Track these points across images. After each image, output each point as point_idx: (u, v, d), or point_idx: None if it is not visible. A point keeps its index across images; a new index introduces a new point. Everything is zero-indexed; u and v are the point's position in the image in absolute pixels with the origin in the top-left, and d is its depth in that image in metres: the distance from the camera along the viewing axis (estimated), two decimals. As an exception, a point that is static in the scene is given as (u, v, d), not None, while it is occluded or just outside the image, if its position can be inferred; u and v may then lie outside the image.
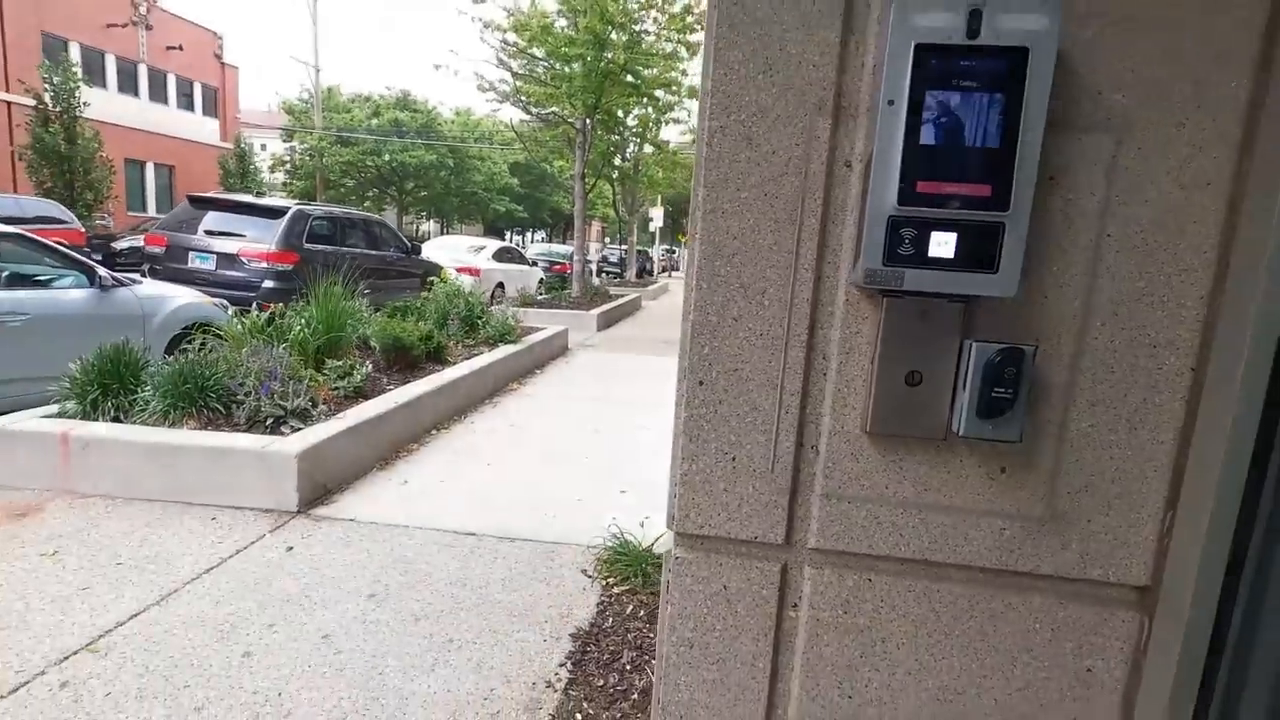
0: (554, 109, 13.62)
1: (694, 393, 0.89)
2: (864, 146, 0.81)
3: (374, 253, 9.25)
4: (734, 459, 0.89)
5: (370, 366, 4.65)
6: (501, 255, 13.96)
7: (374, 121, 32.69)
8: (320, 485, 3.36)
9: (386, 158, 31.93)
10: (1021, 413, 0.79)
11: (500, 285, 12.99)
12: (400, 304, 6.90)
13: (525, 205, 41.52)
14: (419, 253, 10.68)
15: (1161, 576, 0.84)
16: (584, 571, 2.74)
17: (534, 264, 16.69)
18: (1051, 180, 0.79)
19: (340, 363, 4.42)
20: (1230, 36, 0.74)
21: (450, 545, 2.92)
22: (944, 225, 0.76)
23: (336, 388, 4.19)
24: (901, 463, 0.86)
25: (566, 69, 12.05)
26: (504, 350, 6.57)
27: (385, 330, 5.19)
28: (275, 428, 3.53)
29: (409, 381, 4.82)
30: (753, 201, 0.84)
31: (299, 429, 3.50)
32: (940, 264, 0.76)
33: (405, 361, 5.26)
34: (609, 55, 11.53)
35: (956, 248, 0.76)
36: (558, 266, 18.77)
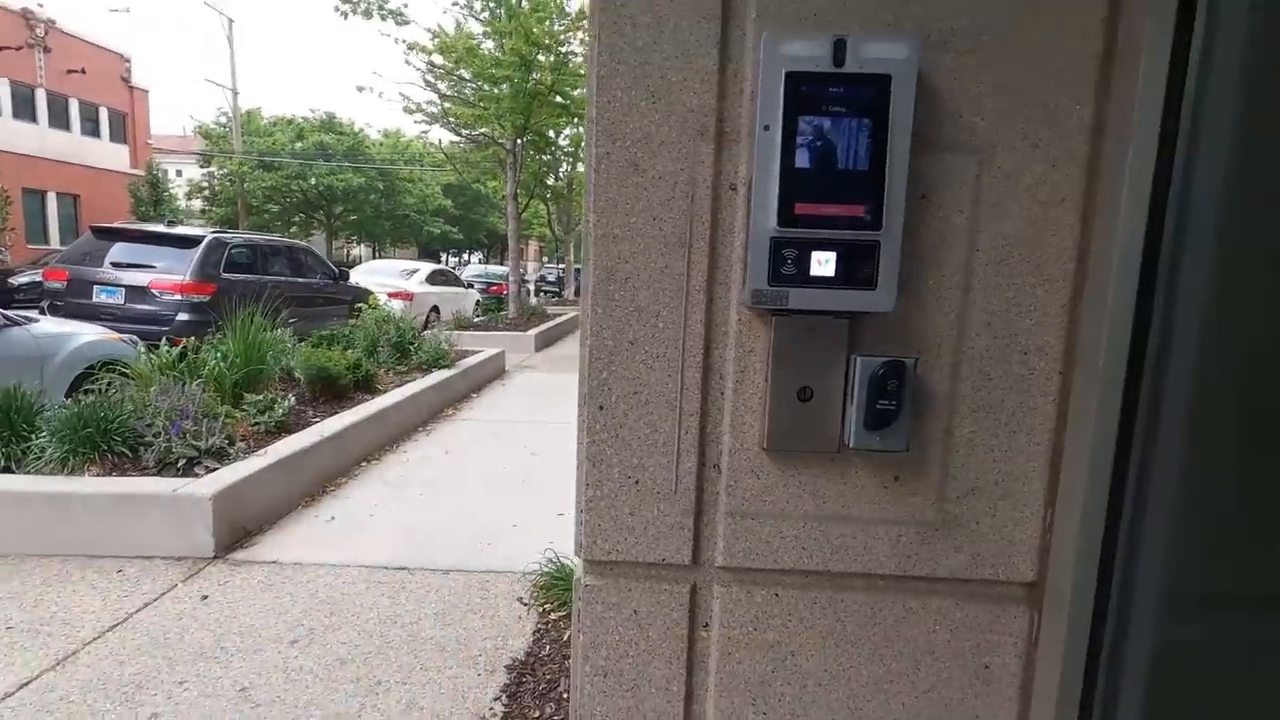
0: (484, 130, 13.55)
1: (595, 418, 0.88)
2: (747, 170, 0.83)
3: (299, 280, 8.94)
4: (638, 482, 0.89)
5: (294, 399, 4.48)
6: (435, 278, 13.71)
7: (298, 145, 31.74)
8: (239, 527, 3.20)
9: (313, 181, 31.03)
10: (906, 423, 0.82)
11: (435, 309, 12.75)
12: (327, 332, 6.68)
13: (460, 226, 40.99)
14: (347, 279, 10.40)
15: (1046, 571, 0.88)
16: (520, 600, 2.69)
17: (469, 286, 16.47)
18: (923, 199, 0.83)
19: (260, 397, 4.23)
20: (1073, 64, 0.80)
21: (380, 582, 2.82)
22: (823, 245, 0.78)
23: (257, 423, 4.01)
24: (800, 477, 0.88)
25: (494, 90, 12.02)
26: (438, 375, 6.44)
27: (310, 360, 5.01)
28: (188, 469, 3.34)
29: (336, 413, 4.66)
30: (643, 226, 0.84)
31: (214, 469, 3.33)
32: (822, 282, 0.79)
33: (332, 392, 5.08)
34: (536, 76, 11.57)
35: (836, 266, 0.78)
36: (494, 287, 18.58)
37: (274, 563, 2.97)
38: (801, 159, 0.77)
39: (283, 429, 4.09)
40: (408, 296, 11.68)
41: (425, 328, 10.69)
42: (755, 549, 0.90)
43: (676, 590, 0.91)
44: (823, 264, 0.78)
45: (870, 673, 0.92)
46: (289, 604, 2.60)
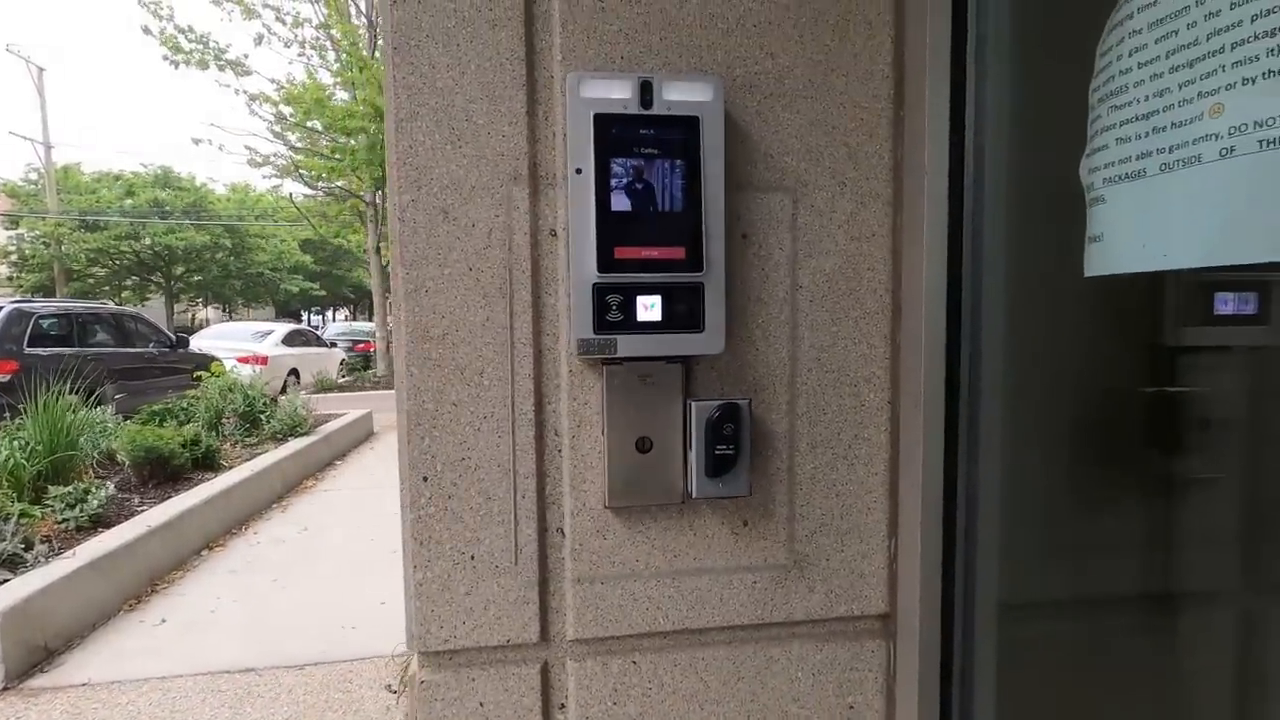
0: (340, 183, 12.99)
1: (419, 490, 0.79)
2: (565, 215, 0.79)
3: (126, 350, 8.01)
4: (473, 557, 0.80)
5: (113, 487, 3.92)
6: (293, 339, 12.78)
7: (128, 202, 28.86)
8: (38, 648, 2.70)
9: (147, 241, 28.24)
10: (746, 466, 0.79)
11: (294, 371, 11.84)
12: (159, 407, 5.97)
13: (322, 283, 38.76)
14: (186, 345, 9.44)
15: (896, 601, 0.88)
16: (389, 687, 2.44)
17: (333, 345, 15.49)
18: (744, 238, 0.82)
19: (70, 489, 3.66)
20: (869, 106, 0.83)
21: (219, 690, 2.46)
22: (647, 289, 0.75)
23: (64, 520, 3.46)
24: (648, 533, 0.83)
25: (349, 142, 11.59)
26: (295, 444, 5.92)
27: (136, 440, 4.43)
28: (-31, 584, 2.80)
29: (170, 497, 4.13)
30: (458, 277, 0.78)
31: (4, 580, 2.81)
32: (650, 327, 0.76)
33: (165, 474, 4.51)
34: (394, 128, 11.28)
35: (663, 310, 0.76)
36: (360, 345, 17.60)
37: (84, 685, 2.52)
38: (618, 202, 0.74)
39: (100, 523, 3.55)
40: (261, 360, 10.77)
41: (282, 393, 9.88)
42: (608, 615, 0.83)
43: (526, 672, 0.83)
44: (648, 309, 0.75)
45: (738, 732, 0.87)
46: (102, 734, 2.20)
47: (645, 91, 0.74)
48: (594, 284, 0.74)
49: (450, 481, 0.79)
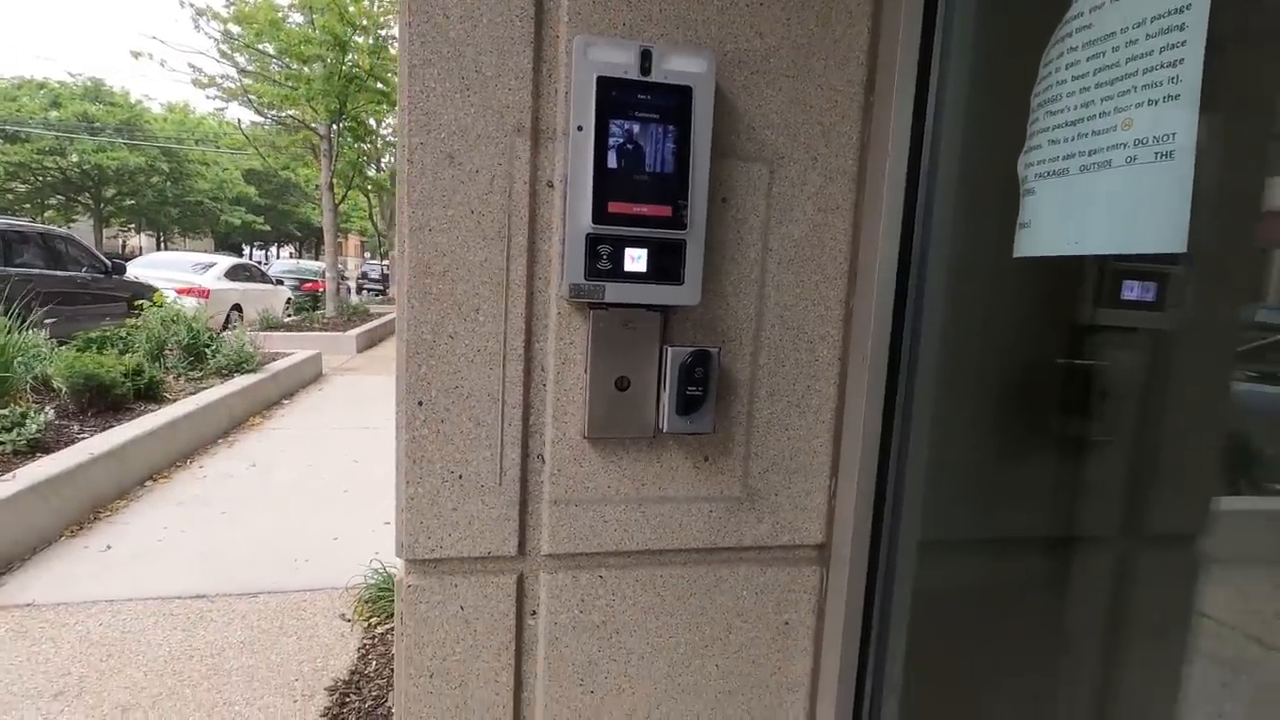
0: (293, 112, 12.40)
1: (414, 414, 0.87)
2: (563, 168, 0.85)
3: (58, 273, 7.61)
4: (461, 477, 0.89)
5: (53, 413, 3.81)
6: (237, 273, 12.31)
7: (54, 114, 26.84)
8: (-22, 568, 2.67)
9: (75, 159, 26.42)
10: (711, 407, 0.89)
11: (237, 307, 11.45)
12: (98, 334, 5.75)
13: (267, 217, 37.07)
14: (123, 272, 9.01)
15: (832, 533, 1.01)
16: (343, 616, 2.52)
17: (279, 283, 14.98)
18: (724, 202, 0.91)
19: (5, 411, 3.55)
20: (843, 89, 0.92)
21: (171, 614, 2.50)
22: (636, 242, 0.83)
23: (1, 443, 3.36)
24: (620, 462, 0.93)
25: (304, 70, 11.04)
26: (241, 381, 5.80)
27: (74, 367, 4.29)
28: (-98, 503, 2.73)
29: (111, 426, 4.04)
30: (460, 219, 0.84)
31: (-60, 500, 2.75)
32: (636, 278, 0.84)
33: (106, 403, 4.39)
34: (353, 58, 10.80)
35: (648, 263, 0.84)
36: (309, 285, 17.06)
37: (28, 605, 2.52)
38: (613, 160, 0.81)
39: (39, 449, 3.46)
40: (203, 293, 10.37)
41: (225, 328, 9.57)
42: (580, 534, 0.93)
43: (503, 581, 0.92)
44: (635, 260, 0.83)
45: (688, 640, 0.99)
46: (50, 652, 2.22)
47: (645, 59, 0.81)
48: (588, 234, 0.82)
49: (443, 407, 0.87)
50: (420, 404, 0.86)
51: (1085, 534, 1.08)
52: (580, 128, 0.80)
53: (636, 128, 0.81)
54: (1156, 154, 0.59)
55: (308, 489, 3.91)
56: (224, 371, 6.02)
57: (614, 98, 0.80)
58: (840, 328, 0.97)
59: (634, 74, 0.80)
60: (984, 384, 1.00)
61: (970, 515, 1.05)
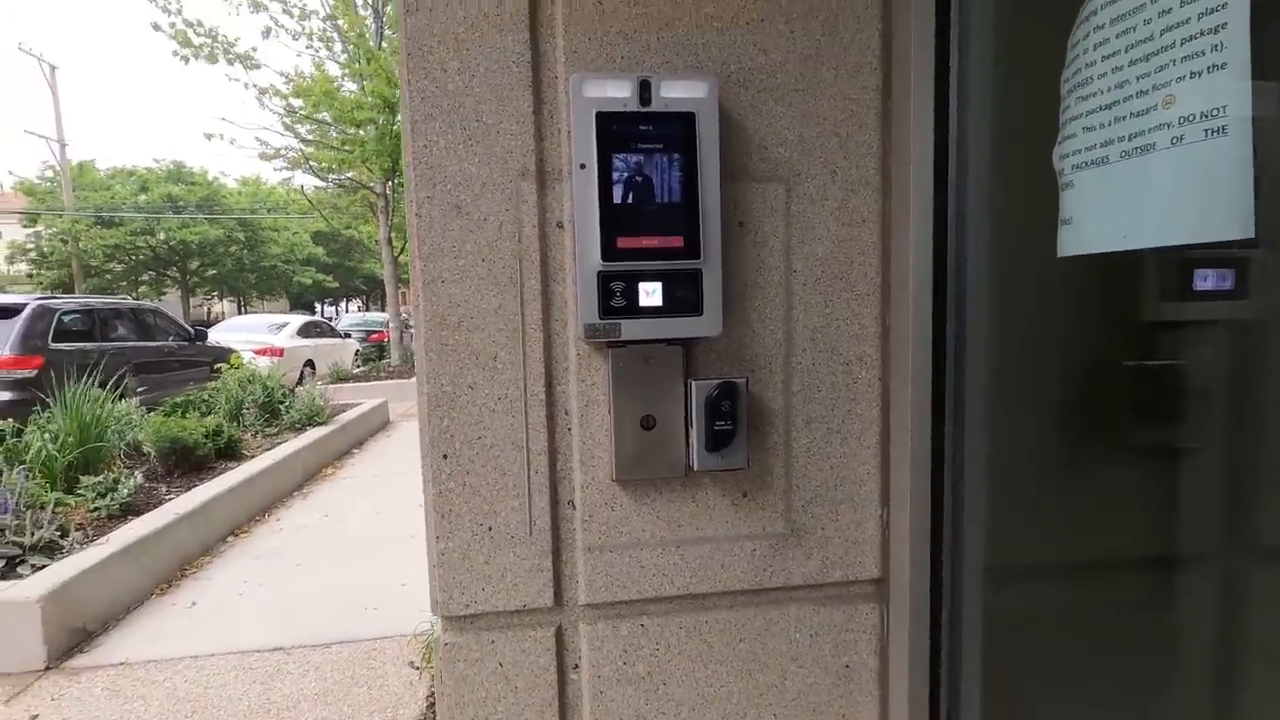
0: (350, 174, 13.07)
1: (439, 467, 0.85)
2: (571, 208, 0.84)
3: (147, 344, 8.16)
4: (490, 529, 0.86)
5: (141, 476, 4.04)
6: (308, 330, 12.94)
7: (142, 198, 29.18)
8: (77, 630, 2.82)
9: (162, 236, 28.57)
10: (743, 441, 0.85)
11: (309, 363, 12.01)
12: (181, 399, 6.11)
13: (335, 274, 39.04)
14: (204, 338, 9.59)
15: (889, 567, 0.93)
16: (411, 664, 2.53)
17: (347, 336, 15.67)
18: (741, 226, 0.87)
19: (100, 478, 3.79)
20: (858, 97, 0.87)
21: (250, 668, 2.57)
22: (649, 276, 0.80)
23: (97, 509, 3.58)
24: (653, 504, 0.89)
25: (358, 133, 11.65)
26: (313, 434, 6.04)
27: (161, 431, 4.56)
28: (10, 570, 2.92)
29: (195, 486, 4.25)
30: (471, 268, 0.83)
31: (43, 566, 2.93)
32: (651, 312, 0.81)
33: (190, 464, 4.64)
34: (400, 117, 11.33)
35: (663, 296, 0.81)
36: (374, 335, 17.78)
37: (122, 664, 2.64)
38: (619, 195, 0.79)
39: (130, 511, 3.67)
40: (277, 352, 10.93)
41: (299, 384, 10.04)
42: (617, 581, 0.89)
43: (542, 635, 0.89)
44: (650, 294, 0.80)
45: (741, 689, 0.93)
46: (141, 710, 2.31)
47: (644, 90, 0.79)
48: (598, 272, 0.79)
49: (468, 458, 0.85)
50: (445, 457, 0.85)
51: (1175, 550, 0.97)
52: (583, 166, 0.79)
53: (640, 159, 0.79)
54: (1206, 131, 0.52)
55: (376, 536, 3.99)
56: (297, 426, 6.29)
57: (614, 131, 0.78)
58: (878, 346, 0.91)
59: (633, 106, 0.79)
60: (1040, 395, 0.92)
61: (1039, 537, 0.95)
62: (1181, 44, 0.54)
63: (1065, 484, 0.92)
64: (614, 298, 0.80)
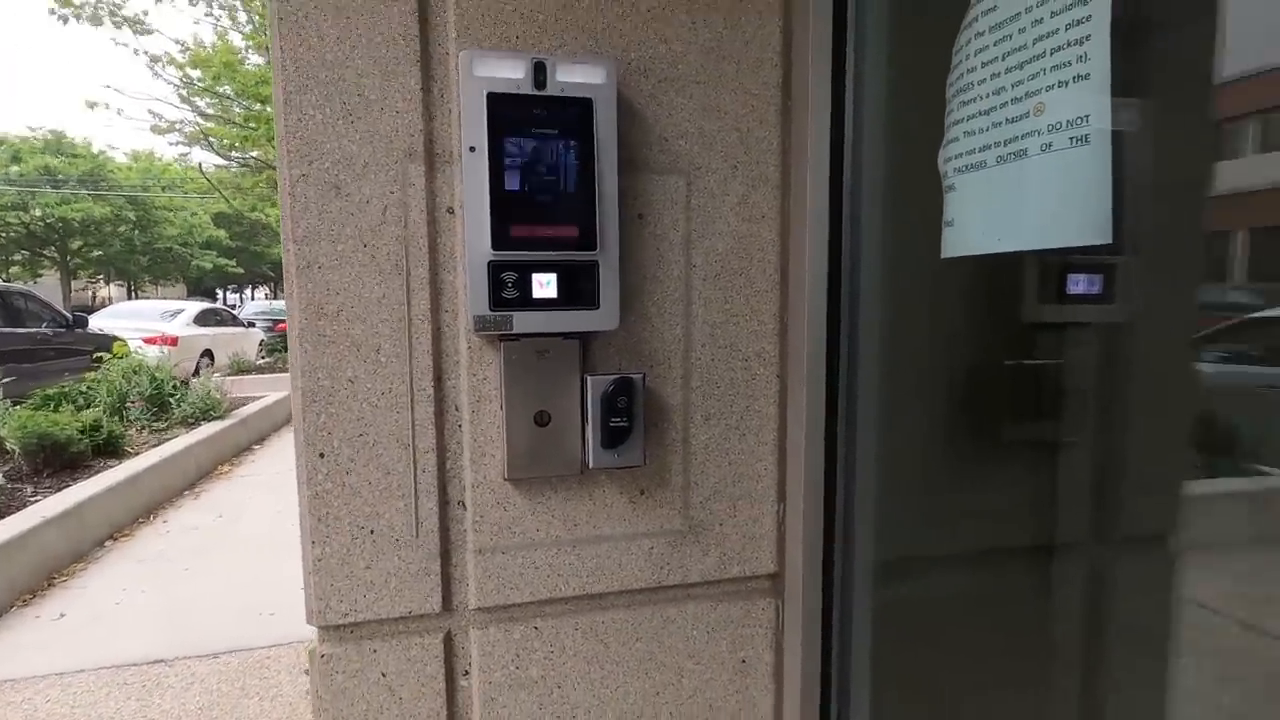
0: (255, 153, 12.29)
1: (315, 467, 0.79)
2: (462, 193, 0.79)
3: (16, 331, 7.41)
4: (373, 532, 0.81)
5: (1, 477, 3.66)
6: (207, 318, 12.10)
7: (14, 169, 26.43)
8: (-82, 648, 2.52)
9: (38, 212, 25.99)
10: (641, 437, 0.83)
11: (207, 353, 11.23)
12: (55, 390, 5.57)
13: (239, 260, 36.66)
14: (85, 325, 8.81)
15: (784, 562, 0.94)
16: (307, 671, 2.40)
17: (251, 325, 14.76)
18: (640, 219, 0.85)
19: (-49, 478, 3.40)
20: (759, 93, 0.87)
21: (125, 683, 2.37)
22: (543, 267, 0.77)
23: (-54, 512, 3.21)
24: (548, 503, 0.86)
25: (265, 109, 10.96)
26: (209, 428, 5.65)
27: (27, 426, 4.14)
28: None
29: (68, 485, 3.89)
30: (352, 254, 0.78)
31: (-124, 579, 2.60)
32: (546, 304, 0.78)
33: (62, 462, 4.24)
34: (313, 96, 10.73)
35: (559, 288, 0.78)
36: (282, 325, 16.83)
37: (-27, 686, 2.38)
38: (511, 181, 0.75)
39: (-12, 515, 3.31)
40: (170, 341, 10.15)
41: (195, 375, 9.38)
42: (510, 583, 0.86)
43: (429, 641, 0.85)
44: (544, 286, 0.77)
45: (638, 688, 0.92)
46: (-6, 734, 2.09)
47: (539, 72, 0.75)
48: (489, 261, 0.76)
49: (348, 457, 0.80)
50: (322, 456, 0.79)
51: (1052, 541, 1.03)
52: (473, 148, 0.75)
53: (534, 145, 0.76)
54: (1072, 139, 0.54)
55: (278, 537, 3.77)
56: (190, 420, 5.86)
57: (507, 114, 0.74)
58: (776, 344, 0.91)
59: (527, 88, 0.75)
60: (929, 392, 0.95)
61: (927, 530, 0.99)
62: (1051, 54, 0.55)
63: (951, 479, 0.96)
64: (506, 288, 0.76)
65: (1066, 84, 0.54)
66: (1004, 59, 0.60)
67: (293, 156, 0.75)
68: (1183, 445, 1.05)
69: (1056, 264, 0.91)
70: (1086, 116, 0.53)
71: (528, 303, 0.77)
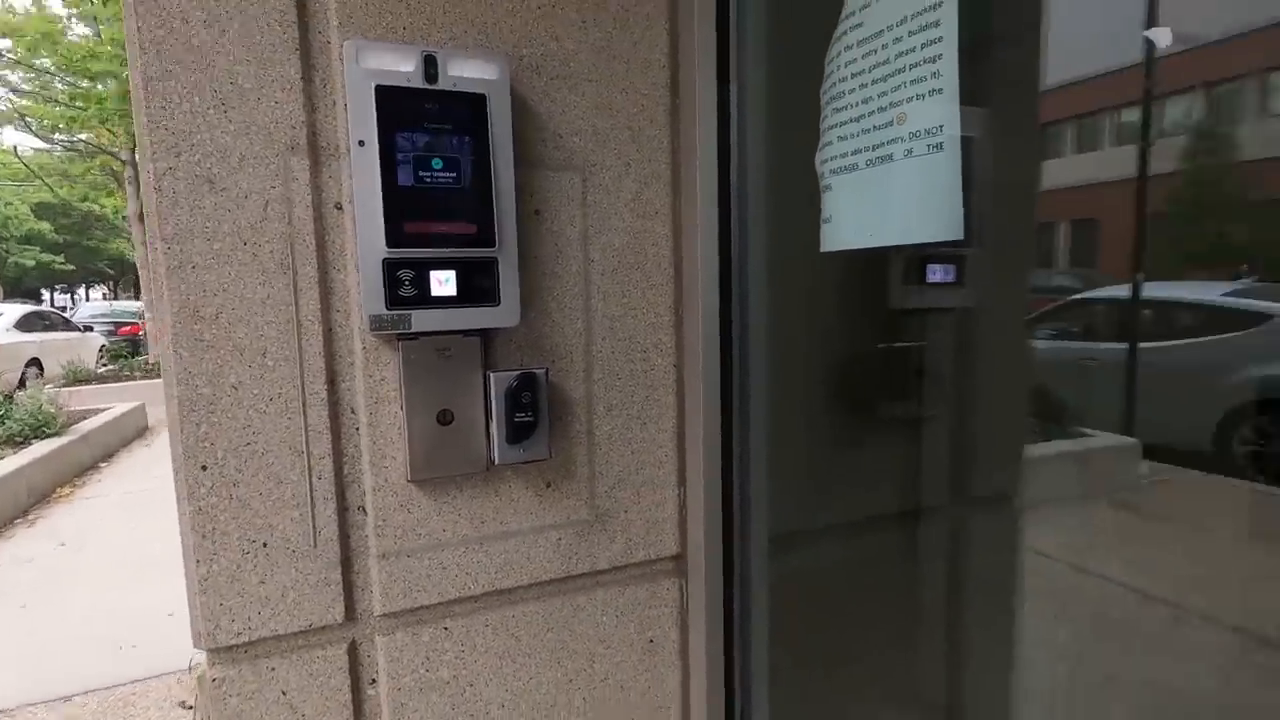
0: (85, 135, 10.94)
1: (197, 480, 0.74)
2: (351, 187, 0.77)
3: None
4: (265, 545, 0.77)
5: None
6: (31, 322, 10.68)
7: None
8: None
9: None
10: (545, 431, 0.84)
11: (35, 362, 9.93)
12: None
13: (69, 256, 32.47)
14: None
15: (686, 543, 0.99)
16: (184, 704, 2.22)
17: (88, 329, 13.17)
18: (537, 215, 0.86)
19: None
20: (650, 92, 0.90)
21: (-46, 742, 2.08)
22: (440, 264, 0.76)
23: None
24: (454, 502, 0.85)
25: (95, 87, 9.77)
26: (42, 447, 5.01)
27: None
28: None
29: None
30: (231, 252, 0.73)
31: None
32: (445, 302, 0.77)
33: None
34: (154, 74, 9.69)
35: (458, 285, 0.77)
36: (126, 329, 15.12)
37: None
38: (405, 176, 0.74)
39: None
40: (-15, 350, 8.88)
41: (19, 387, 8.27)
42: (417, 586, 0.85)
43: (332, 654, 0.82)
44: (443, 284, 0.77)
45: (550, 678, 0.93)
46: None
47: (430, 66, 0.74)
48: (385, 259, 0.74)
49: (235, 468, 0.76)
50: (204, 469, 0.74)
51: (923, 505, 1.15)
52: (361, 142, 0.73)
53: (428, 140, 0.74)
54: (929, 146, 0.61)
55: (132, 561, 3.42)
56: (19, 439, 5.17)
57: (397, 108, 0.73)
58: (672, 335, 0.95)
59: (418, 82, 0.74)
60: (812, 375, 1.03)
61: (816, 504, 1.07)
62: (910, 69, 0.62)
63: (834, 455, 1.04)
64: (403, 286, 0.75)
65: (924, 96, 0.61)
66: (870, 71, 0.66)
67: (158, 148, 0.70)
68: (1022, 414, 1.20)
69: (918, 256, 1.01)
70: (941, 126, 0.60)
71: (426, 300, 0.76)
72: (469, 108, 0.76)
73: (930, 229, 0.62)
